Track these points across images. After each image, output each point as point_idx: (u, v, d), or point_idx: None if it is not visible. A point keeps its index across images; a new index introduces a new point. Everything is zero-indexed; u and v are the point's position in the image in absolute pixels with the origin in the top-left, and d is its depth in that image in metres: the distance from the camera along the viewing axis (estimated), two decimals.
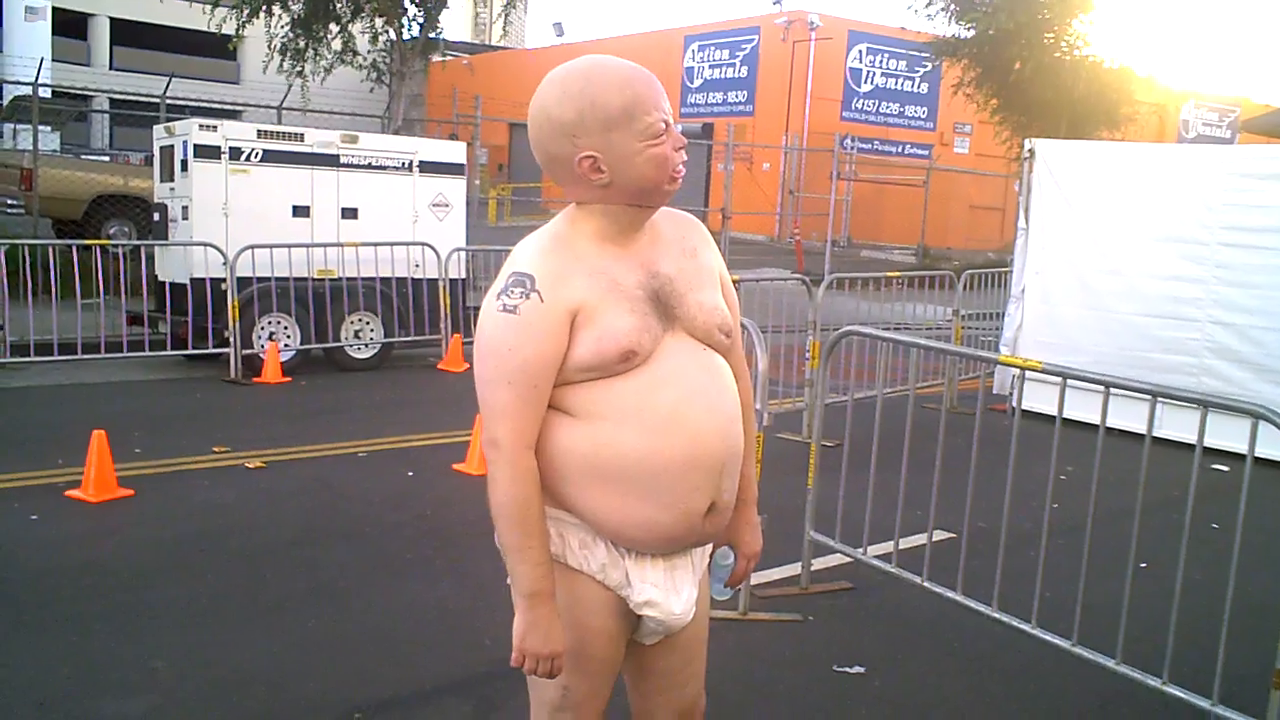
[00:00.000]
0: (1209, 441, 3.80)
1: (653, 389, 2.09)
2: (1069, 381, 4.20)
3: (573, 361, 2.07)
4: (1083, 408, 4.63)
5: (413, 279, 11.27)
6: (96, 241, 11.42)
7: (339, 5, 18.17)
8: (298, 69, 18.92)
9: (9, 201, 15.90)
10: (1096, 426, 4.10)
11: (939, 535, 4.91)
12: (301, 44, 18.70)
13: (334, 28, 18.64)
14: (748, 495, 2.43)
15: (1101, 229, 8.96)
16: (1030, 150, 9.49)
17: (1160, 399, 3.90)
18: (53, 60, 20.42)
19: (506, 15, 20.16)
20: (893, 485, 4.89)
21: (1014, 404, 4.82)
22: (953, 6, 20.60)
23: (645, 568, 2.19)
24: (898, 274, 11.36)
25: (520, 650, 2.13)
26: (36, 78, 14.86)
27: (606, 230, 2.14)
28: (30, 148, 14.88)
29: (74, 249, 10.33)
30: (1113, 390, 4.05)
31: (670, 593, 2.21)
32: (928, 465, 4.80)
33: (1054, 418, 4.29)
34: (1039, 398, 5.36)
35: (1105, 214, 8.95)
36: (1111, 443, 4.12)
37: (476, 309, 9.11)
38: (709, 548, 2.36)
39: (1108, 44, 20.09)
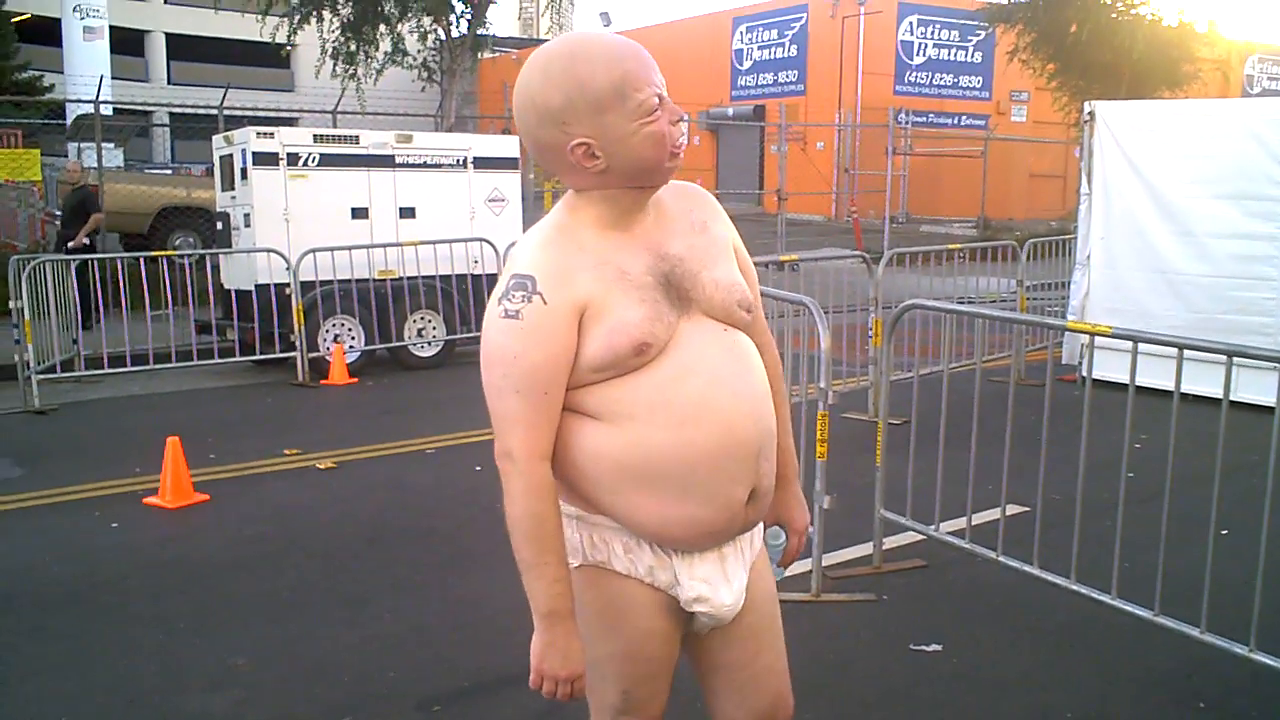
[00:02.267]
0: None
1: (676, 380, 1.98)
2: (1140, 346, 4.12)
3: (585, 361, 1.97)
4: (1155, 373, 4.53)
5: (472, 275, 11.34)
6: (163, 253, 11.65)
7: (387, 7, 18.34)
8: (350, 72, 19.13)
9: None
10: (1170, 392, 4.01)
11: (1012, 509, 4.84)
12: (353, 47, 18.91)
13: (383, 29, 18.82)
14: (789, 470, 2.34)
15: (1167, 190, 8.76)
16: (1090, 113, 9.30)
17: (1236, 360, 3.81)
18: (112, 78, 20.75)
19: (553, 7, 20.18)
20: (963, 460, 4.83)
21: (1084, 372, 4.73)
22: None
23: (694, 564, 2.10)
24: (959, 246, 11.21)
25: (538, 672, 2.03)
26: (97, 96, 15.17)
27: (607, 216, 2.03)
28: (95, 165, 15.20)
29: (142, 262, 10.53)
30: (1186, 353, 3.96)
31: (721, 584, 2.12)
32: (998, 439, 4.73)
33: (1125, 386, 4.20)
34: (1109, 366, 5.27)
35: (1170, 174, 8.75)
36: (1186, 408, 4.03)
37: None
38: (759, 530, 2.26)
39: (1166, 1, 19.64)
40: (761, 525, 2.27)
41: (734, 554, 2.15)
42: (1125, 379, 4.20)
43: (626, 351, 1.95)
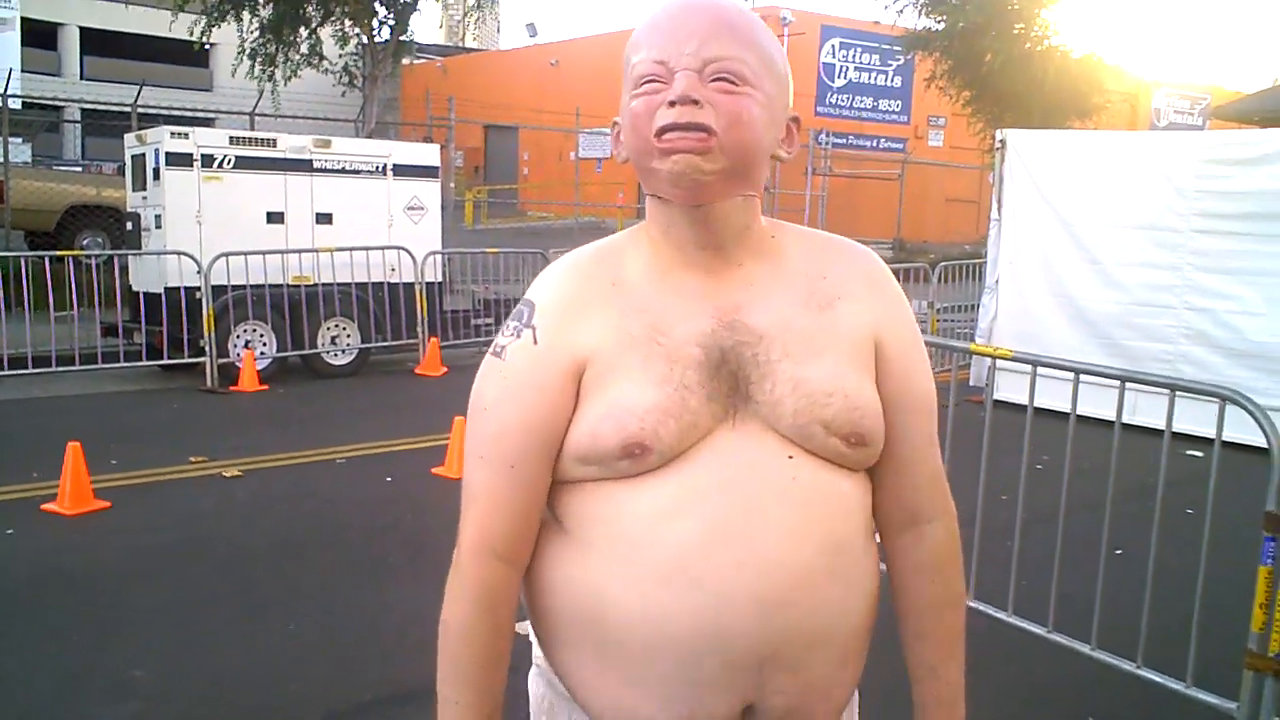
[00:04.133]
0: (1186, 428, 3.86)
1: (669, 513, 1.34)
2: (1041, 370, 4.23)
3: (569, 444, 1.39)
4: (1058, 396, 4.66)
5: (389, 283, 11.25)
6: (70, 253, 11.35)
7: (309, 9, 18.14)
8: (268, 74, 18.89)
9: None
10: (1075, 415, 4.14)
11: None
12: (272, 49, 18.67)
13: (304, 32, 18.63)
14: (942, 694, 1.67)
15: (1075, 218, 9.02)
16: (1002, 141, 9.55)
17: (1129, 384, 3.94)
18: (22, 71, 20.28)
19: (472, 17, 20.16)
20: None
21: (988, 394, 4.85)
22: (921, 0, 20.71)
23: None
24: None
25: None
26: (5, 89, 14.77)
27: (663, 245, 1.44)
28: (1, 159, 14.78)
29: (47, 261, 10.26)
30: (1085, 377, 4.09)
31: None
32: None
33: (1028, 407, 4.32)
34: (1013, 388, 5.39)
35: (1078, 203, 9.01)
36: (1089, 431, 4.16)
37: (454, 313, 9.16)
38: None
39: (1076, 34, 20.25)
40: None
41: None
42: (1028, 401, 4.32)
43: (611, 449, 1.35)
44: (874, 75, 31.29)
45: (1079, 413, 4.17)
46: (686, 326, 1.39)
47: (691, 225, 1.40)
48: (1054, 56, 19.89)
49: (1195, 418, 4.43)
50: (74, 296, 10.16)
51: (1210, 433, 3.74)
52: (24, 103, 20.38)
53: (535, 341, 1.41)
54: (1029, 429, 4.30)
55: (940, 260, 12.35)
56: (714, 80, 1.33)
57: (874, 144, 30.70)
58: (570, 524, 1.42)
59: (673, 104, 1.32)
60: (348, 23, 18.62)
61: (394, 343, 11.36)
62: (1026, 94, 19.78)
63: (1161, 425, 3.88)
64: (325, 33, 18.98)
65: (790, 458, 1.37)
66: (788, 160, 1.49)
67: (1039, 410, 4.35)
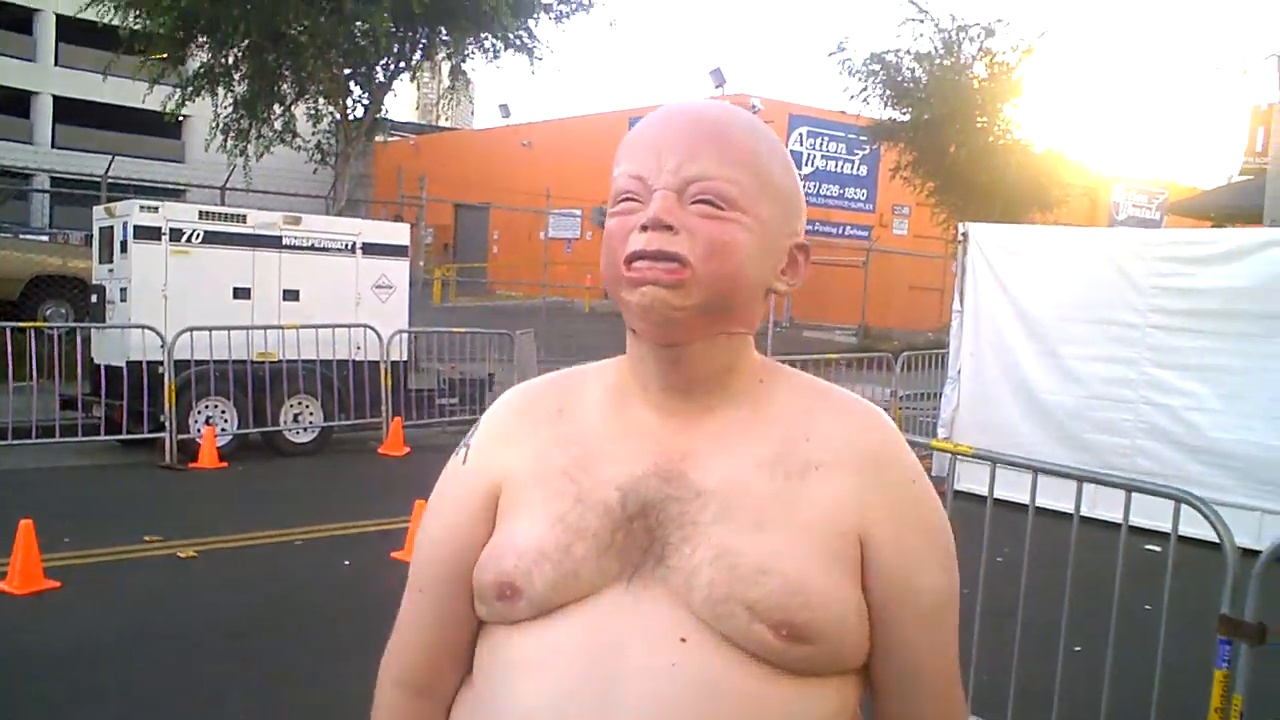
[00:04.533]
0: (1144, 523, 3.90)
1: (524, 671, 1.19)
2: (999, 464, 4.27)
3: (473, 577, 1.28)
4: (1018, 489, 4.70)
5: (353, 361, 11.20)
6: (32, 324, 11.27)
7: (284, 86, 18.30)
8: (240, 149, 18.98)
9: None
10: (1036, 507, 4.17)
11: None
12: (245, 124, 18.79)
13: (278, 108, 18.77)
14: None
15: (1034, 311, 9.15)
16: (964, 233, 9.72)
17: (1087, 481, 3.98)
18: None
19: (446, 98, 20.39)
20: None
21: (949, 485, 4.87)
22: (887, 92, 21.17)
23: None
24: (836, 356, 11.51)
25: None
26: None
27: (629, 377, 1.29)
28: None
29: (8, 331, 10.17)
30: (1041, 473, 4.12)
31: None
32: None
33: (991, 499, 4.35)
34: (975, 479, 5.42)
35: (1038, 296, 9.15)
36: (1050, 524, 4.18)
37: (418, 392, 9.12)
38: None
39: (1037, 129, 20.76)
40: None
41: None
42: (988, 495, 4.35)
43: (486, 584, 1.23)
44: (840, 164, 31.82)
45: (1039, 505, 4.20)
46: (616, 467, 1.22)
47: (658, 364, 1.23)
48: (1016, 150, 20.36)
49: (1152, 513, 4.45)
50: (34, 367, 10.06)
51: (1164, 527, 3.77)
52: None
53: (464, 462, 1.33)
54: (988, 523, 4.32)
55: (904, 348, 12.49)
56: (695, 202, 1.18)
57: (840, 231, 31.11)
58: (475, 665, 1.30)
59: (645, 228, 1.17)
60: (322, 100, 18.78)
61: (357, 421, 11.29)
62: (989, 186, 20.20)
63: (1117, 519, 3.92)
64: (299, 110, 19.13)
65: (683, 640, 1.14)
66: (786, 294, 1.33)
67: (999, 501, 4.37)
